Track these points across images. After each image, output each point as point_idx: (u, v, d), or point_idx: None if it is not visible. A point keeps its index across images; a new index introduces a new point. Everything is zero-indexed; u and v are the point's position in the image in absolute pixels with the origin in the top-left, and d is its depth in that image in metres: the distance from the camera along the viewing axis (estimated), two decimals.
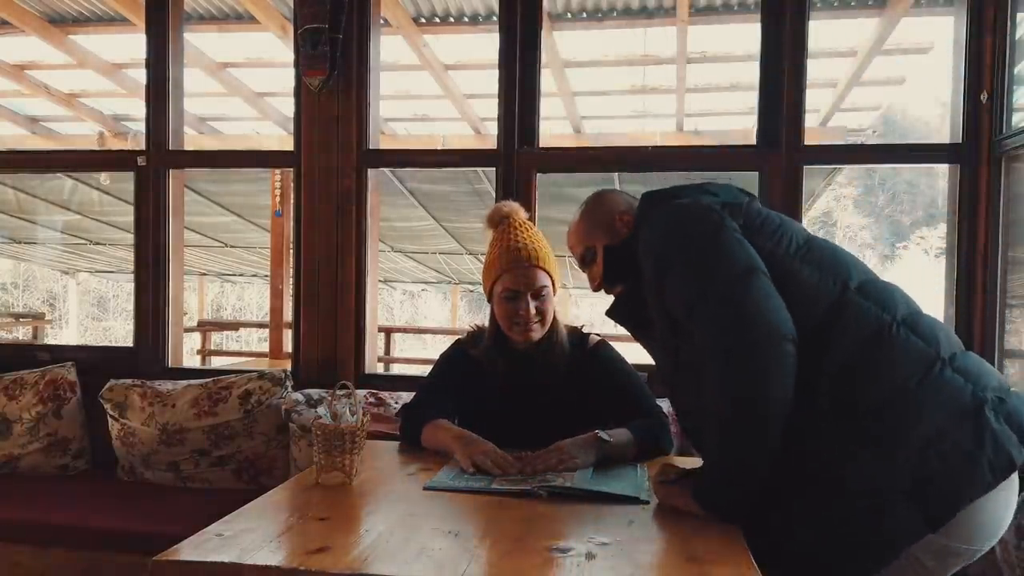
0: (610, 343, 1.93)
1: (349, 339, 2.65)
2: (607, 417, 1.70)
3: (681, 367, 1.43)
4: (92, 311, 20.65)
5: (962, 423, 1.22)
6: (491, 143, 2.61)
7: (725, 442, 1.27)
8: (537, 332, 1.78)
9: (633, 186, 5.59)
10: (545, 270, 1.78)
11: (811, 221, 21.23)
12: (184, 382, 2.62)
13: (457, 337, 2.01)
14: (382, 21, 2.87)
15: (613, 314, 1.62)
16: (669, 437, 1.79)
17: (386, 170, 4.24)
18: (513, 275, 1.75)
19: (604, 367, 1.85)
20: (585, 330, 1.94)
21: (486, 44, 4.62)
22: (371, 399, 2.40)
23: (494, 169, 2.58)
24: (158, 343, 2.83)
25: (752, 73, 2.53)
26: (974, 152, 2.30)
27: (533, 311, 1.75)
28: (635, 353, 1.97)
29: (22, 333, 11.64)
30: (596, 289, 1.67)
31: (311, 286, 2.67)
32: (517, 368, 1.82)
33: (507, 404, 1.81)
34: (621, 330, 1.66)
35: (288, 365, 2.75)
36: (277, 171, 5.54)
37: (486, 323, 1.90)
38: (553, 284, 1.80)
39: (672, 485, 1.36)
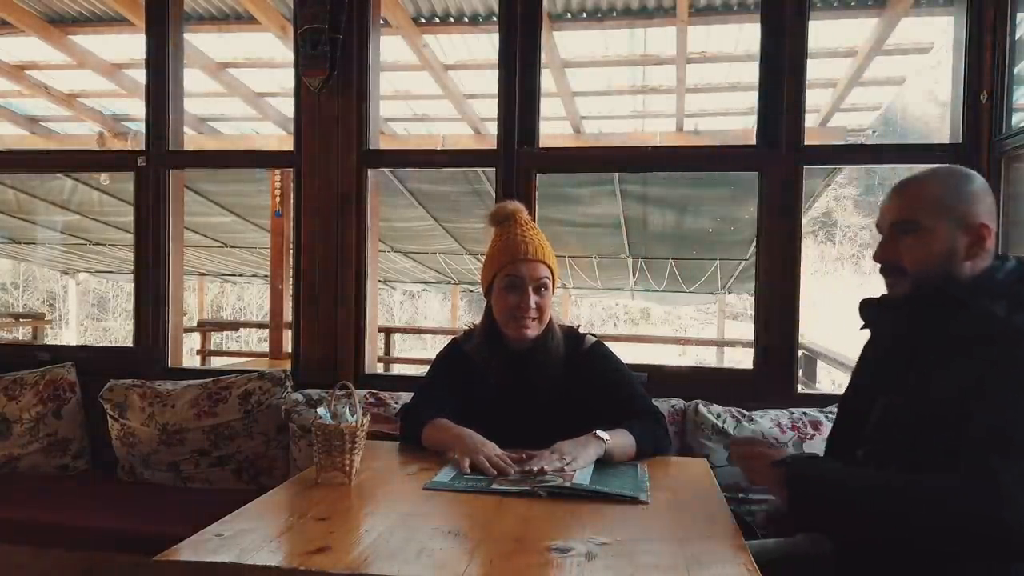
0: (605, 343, 1.92)
1: (349, 339, 2.65)
2: (603, 417, 1.69)
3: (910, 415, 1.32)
4: (92, 311, 20.65)
5: None
6: (491, 143, 2.61)
7: (909, 498, 1.18)
8: (534, 329, 1.77)
9: (633, 186, 5.60)
10: (548, 265, 1.78)
11: (811, 221, 21.27)
12: (184, 382, 2.62)
13: (453, 337, 2.01)
14: (382, 21, 2.87)
15: (866, 309, 1.46)
16: (668, 436, 1.80)
17: (386, 170, 4.25)
18: (516, 266, 1.75)
19: (599, 367, 1.84)
20: (581, 330, 1.93)
21: (486, 44, 4.62)
22: (371, 399, 2.40)
23: (494, 169, 2.58)
24: (158, 343, 2.82)
25: (752, 73, 2.53)
26: (974, 152, 2.30)
27: (533, 305, 1.75)
28: (631, 353, 1.97)
29: (22, 333, 11.64)
30: (879, 260, 1.41)
31: (311, 286, 2.67)
32: (512, 367, 1.82)
33: (503, 403, 1.80)
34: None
35: (288, 365, 2.75)
36: (277, 171, 5.54)
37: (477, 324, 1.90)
38: (553, 283, 1.80)
39: (756, 449, 1.34)
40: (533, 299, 1.75)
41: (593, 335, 1.92)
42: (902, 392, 1.35)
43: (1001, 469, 1.12)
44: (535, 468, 1.48)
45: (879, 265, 1.41)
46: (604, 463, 1.59)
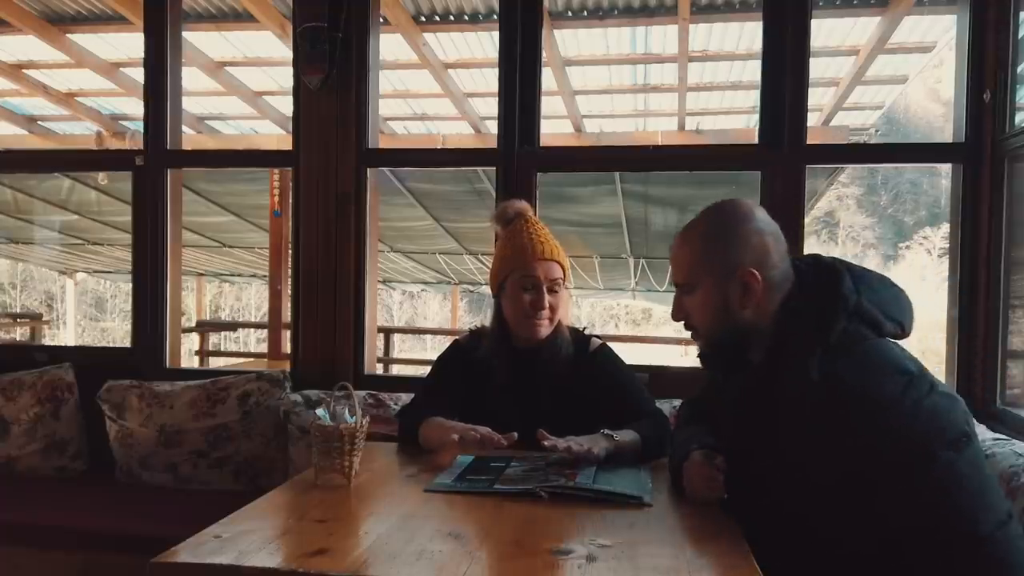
0: (610, 345, 1.92)
1: (348, 340, 2.64)
2: (608, 419, 1.69)
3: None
4: (90, 311, 20.65)
5: None
6: (491, 142, 2.60)
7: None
8: (546, 328, 1.79)
9: (634, 185, 5.58)
10: (561, 264, 1.79)
11: (813, 221, 21.28)
12: (182, 383, 2.60)
13: (455, 338, 2.00)
14: (381, 19, 2.86)
15: (704, 362, 1.46)
16: (671, 436, 1.79)
17: (386, 170, 4.23)
18: (531, 267, 1.76)
19: (605, 369, 1.84)
20: (587, 332, 1.93)
21: (486, 42, 4.61)
22: (370, 400, 2.39)
23: (494, 168, 2.57)
24: (156, 344, 2.81)
25: (754, 71, 2.52)
26: (977, 151, 2.29)
27: (548, 305, 1.76)
28: (633, 354, 1.97)
29: (20, 334, 11.63)
30: (676, 319, 1.43)
31: (310, 287, 2.66)
32: (519, 369, 1.81)
33: (507, 405, 1.80)
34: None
35: (287, 366, 2.74)
36: (276, 171, 5.52)
37: (486, 324, 1.90)
38: (564, 281, 1.81)
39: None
40: (548, 299, 1.76)
41: (599, 337, 1.92)
42: (763, 463, 1.30)
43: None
44: (561, 446, 1.48)
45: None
46: (607, 464, 1.58)
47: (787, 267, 1.32)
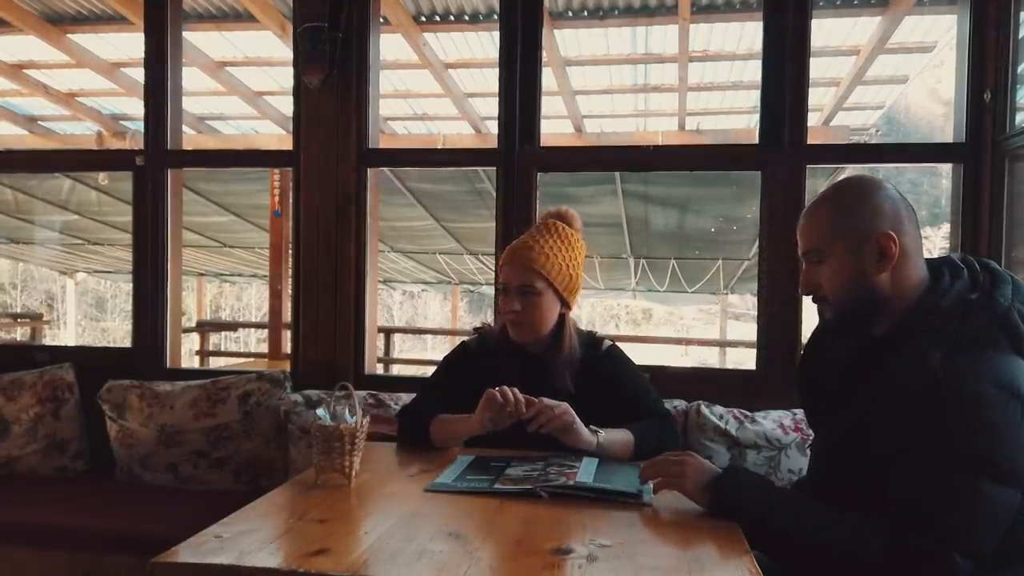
0: (619, 346, 1.92)
1: (348, 340, 2.64)
2: (613, 419, 1.69)
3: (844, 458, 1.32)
4: (90, 311, 20.65)
5: None
6: (492, 142, 2.60)
7: (831, 535, 1.20)
8: (520, 334, 1.78)
9: (634, 185, 5.59)
10: (538, 272, 1.73)
11: None
12: (183, 383, 2.60)
13: (463, 339, 2.00)
14: (382, 19, 2.85)
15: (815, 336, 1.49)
16: (674, 437, 1.80)
17: (386, 170, 4.23)
18: (503, 267, 1.79)
19: (613, 370, 1.85)
20: (599, 335, 1.94)
21: (487, 42, 4.61)
22: (370, 400, 2.39)
23: (495, 168, 2.57)
24: (156, 344, 2.81)
25: (754, 71, 2.52)
26: (977, 151, 2.29)
27: (517, 307, 1.74)
28: (633, 354, 1.97)
29: (20, 333, 11.63)
30: (802, 291, 1.42)
31: (310, 286, 2.66)
32: (526, 372, 1.80)
33: None
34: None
35: (287, 366, 2.74)
36: (276, 171, 5.53)
37: (491, 323, 1.91)
38: (555, 289, 1.76)
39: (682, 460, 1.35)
40: (516, 303, 1.74)
41: (611, 339, 1.92)
42: (843, 426, 1.33)
43: (924, 534, 1.14)
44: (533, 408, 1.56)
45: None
46: (607, 462, 1.57)
47: (920, 244, 1.32)
